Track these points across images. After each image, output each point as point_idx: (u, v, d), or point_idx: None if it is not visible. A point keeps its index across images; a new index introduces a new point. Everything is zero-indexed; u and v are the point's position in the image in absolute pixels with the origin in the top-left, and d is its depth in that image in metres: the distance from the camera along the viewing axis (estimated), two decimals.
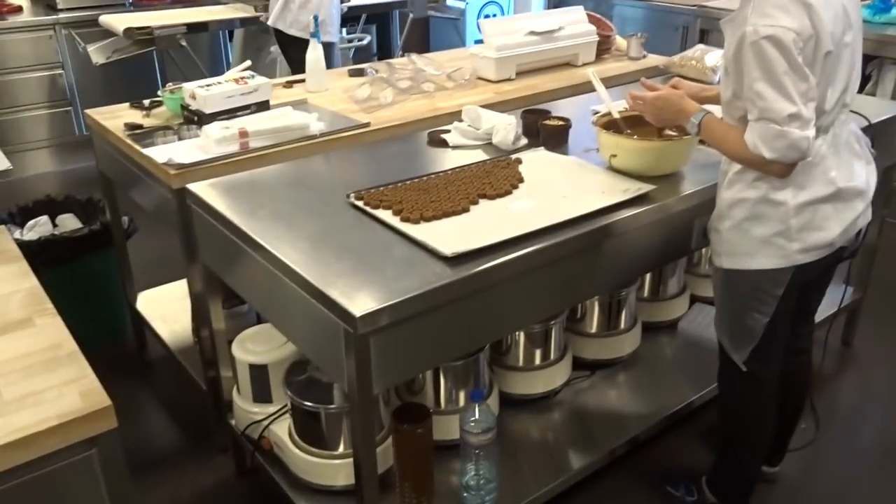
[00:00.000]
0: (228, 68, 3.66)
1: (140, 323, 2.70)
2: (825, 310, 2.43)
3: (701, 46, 2.90)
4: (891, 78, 3.70)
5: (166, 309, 2.65)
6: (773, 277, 1.62)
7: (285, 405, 1.92)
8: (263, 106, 2.31)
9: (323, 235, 1.57)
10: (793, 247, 1.58)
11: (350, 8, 4.60)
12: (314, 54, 2.63)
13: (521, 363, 2.15)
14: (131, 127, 2.23)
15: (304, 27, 3.38)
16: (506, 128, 2.04)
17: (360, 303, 1.31)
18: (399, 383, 1.96)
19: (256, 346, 1.99)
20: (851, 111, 1.67)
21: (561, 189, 1.75)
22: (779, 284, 1.62)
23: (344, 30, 4.71)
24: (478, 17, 5.54)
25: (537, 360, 2.15)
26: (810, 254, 1.59)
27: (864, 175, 1.64)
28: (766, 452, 1.92)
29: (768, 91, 1.45)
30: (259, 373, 1.95)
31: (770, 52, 1.43)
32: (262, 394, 1.98)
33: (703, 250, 2.60)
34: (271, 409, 1.97)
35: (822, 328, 2.45)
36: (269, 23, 3.49)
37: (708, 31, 4.38)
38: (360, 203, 1.68)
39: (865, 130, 1.83)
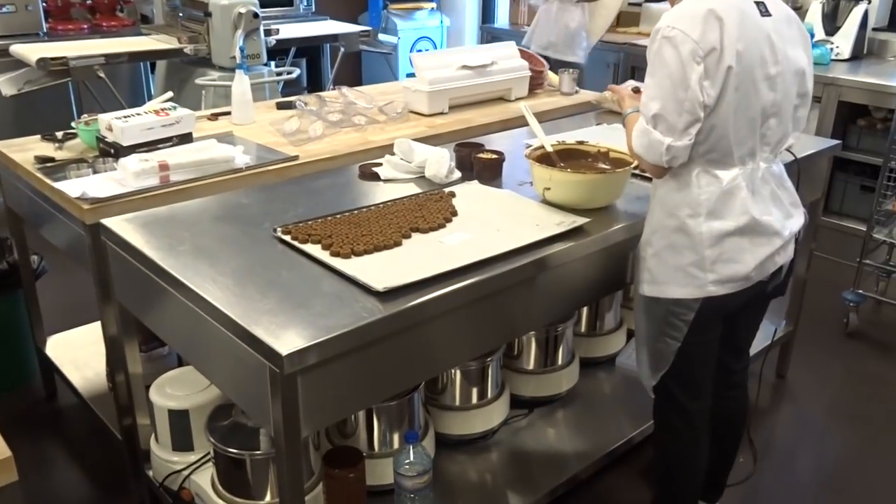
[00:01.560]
0: (148, 100, 3.59)
1: (50, 369, 2.58)
2: (759, 343, 2.51)
3: (632, 82, 3.00)
4: (814, 116, 3.90)
5: (78, 353, 2.54)
6: (683, 304, 1.66)
7: (208, 453, 1.86)
8: (186, 138, 2.27)
9: (247, 271, 1.54)
10: (707, 277, 1.63)
11: (279, 41, 4.59)
12: (240, 86, 2.61)
13: (457, 402, 2.13)
14: (42, 160, 2.15)
15: None
16: (439, 161, 2.05)
17: (287, 341, 1.28)
18: (329, 426, 1.91)
19: (177, 391, 1.92)
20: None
21: (495, 222, 1.76)
22: (688, 311, 1.66)
23: (272, 63, 4.70)
24: (410, 52, 5.61)
25: (474, 399, 2.14)
26: (725, 286, 1.64)
27: (779, 214, 1.69)
28: (700, 487, 1.95)
29: (650, 86, 1.55)
30: (179, 419, 1.89)
31: (664, 51, 1.51)
32: (182, 441, 1.91)
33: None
34: (192, 457, 1.90)
35: (756, 361, 2.53)
36: None
37: (637, 67, 4.55)
38: (287, 237, 1.65)
39: (791, 165, 1.91)
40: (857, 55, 4.12)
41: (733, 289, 1.65)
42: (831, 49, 4.05)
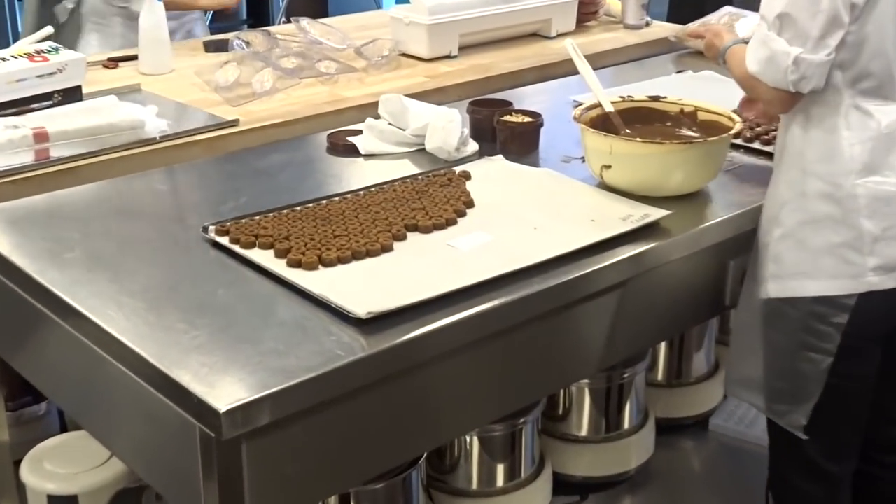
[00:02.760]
0: (16, 39, 3.62)
1: None
2: None
3: (729, 9, 3.02)
4: None
5: None
6: (831, 304, 1.68)
7: None
8: (73, 95, 2.30)
9: (167, 290, 1.55)
10: (867, 263, 1.65)
11: None
12: (151, 18, 2.64)
13: (474, 485, 2.14)
14: None
15: None
16: (445, 127, 2.07)
17: (226, 391, 1.29)
18: None
19: (60, 467, 1.94)
20: None
21: (529, 217, 1.77)
22: (839, 312, 1.67)
23: None
24: None
25: (500, 480, 2.15)
26: (892, 276, 1.66)
27: None
28: None
29: None
30: None
31: None
32: None
33: None
34: None
35: None
36: None
37: None
38: (224, 240, 1.67)
39: None
40: None
41: None
42: None
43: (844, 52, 1.60)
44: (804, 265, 1.69)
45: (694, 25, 2.96)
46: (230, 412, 1.27)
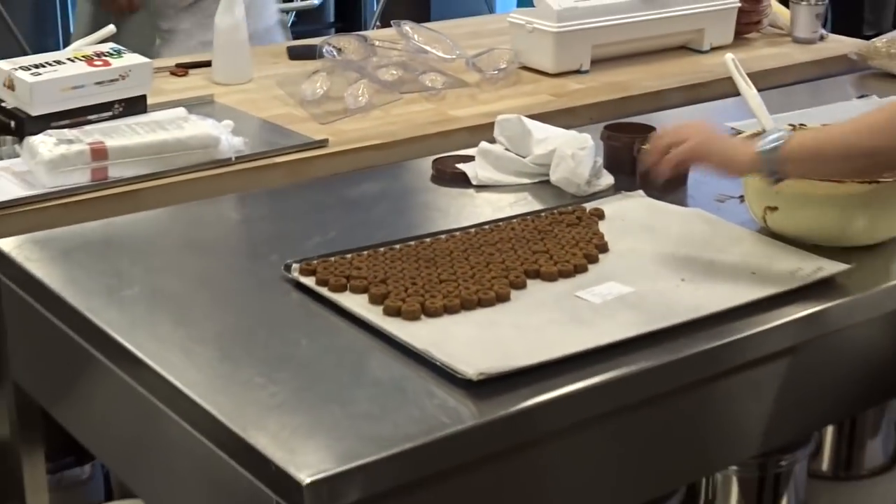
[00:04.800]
0: (66, 41, 3.73)
1: None
2: None
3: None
4: None
5: None
6: None
7: None
8: (136, 106, 2.35)
9: (242, 338, 1.57)
10: None
11: None
12: (228, 18, 2.68)
13: None
14: None
15: None
16: (575, 155, 2.07)
17: (310, 459, 1.30)
18: None
19: None
20: None
21: (674, 267, 1.77)
22: None
23: None
24: None
25: None
26: None
27: None
28: None
29: None
30: None
31: None
32: None
33: None
34: None
35: None
36: None
37: None
38: (309, 280, 1.69)
39: None
40: None
41: None
42: None
43: None
44: None
45: (881, 42, 2.93)
46: (314, 485, 1.27)
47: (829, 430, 2.53)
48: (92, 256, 1.82)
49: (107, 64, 2.33)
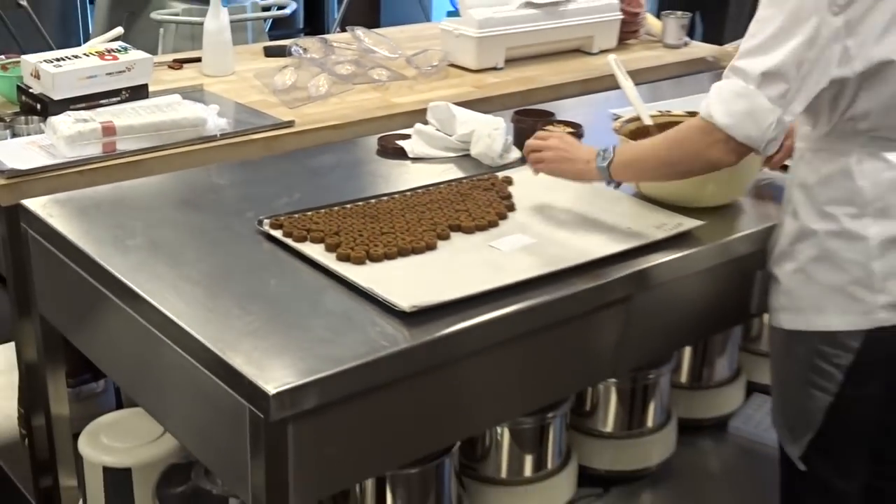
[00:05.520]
0: (86, 40, 3.66)
1: None
2: None
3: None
4: None
5: None
6: (838, 340, 1.65)
7: None
8: (140, 93, 2.31)
9: (223, 278, 1.56)
10: (877, 300, 1.62)
11: None
12: (215, 23, 2.65)
13: (503, 474, 2.13)
14: None
15: None
16: (490, 134, 2.06)
17: (276, 374, 1.29)
18: (327, 497, 1.92)
19: (116, 441, 1.95)
20: None
21: (569, 222, 1.76)
22: (845, 350, 1.65)
23: None
24: None
25: (527, 471, 2.13)
26: None
27: None
28: None
29: (760, 31, 1.54)
30: (118, 480, 1.91)
31: None
32: None
33: (766, 318, 2.63)
34: None
35: None
36: None
37: None
38: (277, 233, 1.67)
39: None
40: None
41: None
42: None
43: (861, 104, 1.56)
44: (815, 300, 1.66)
45: (730, 47, 2.93)
46: (279, 395, 1.27)
47: (687, 351, 2.55)
48: (103, 213, 1.80)
49: (115, 58, 2.29)
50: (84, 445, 1.96)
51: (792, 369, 1.74)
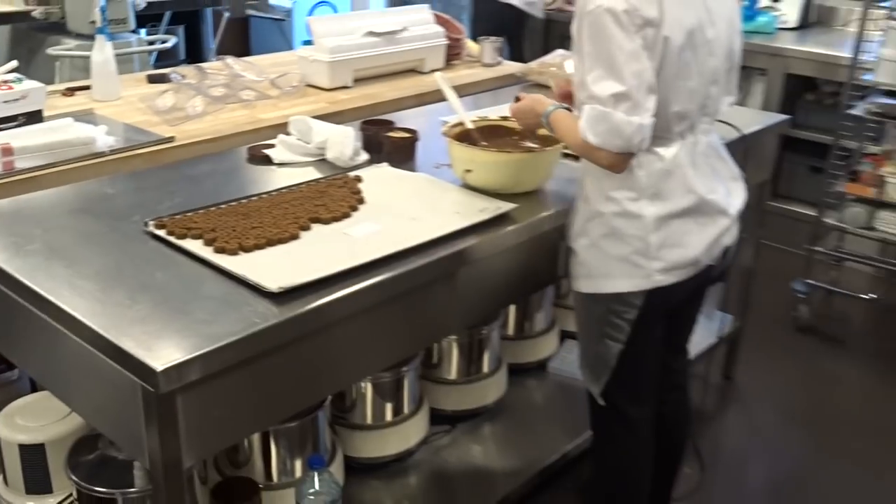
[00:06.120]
0: None
1: None
2: (703, 341, 2.58)
3: (560, 52, 3.03)
4: (759, 90, 4.05)
5: None
6: (623, 301, 1.69)
7: (70, 495, 1.79)
8: (35, 117, 2.16)
9: (113, 274, 1.47)
10: (653, 266, 1.66)
11: (150, 3, 4.45)
12: (101, 54, 2.51)
13: (368, 420, 2.11)
14: None
15: None
16: (342, 141, 2.02)
17: (163, 353, 1.23)
18: (217, 453, 1.86)
19: (29, 421, 1.85)
20: (721, 121, 1.79)
21: (409, 210, 1.74)
22: (631, 308, 1.69)
23: (143, 30, 4.55)
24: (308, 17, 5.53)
25: (388, 416, 2.12)
26: (672, 273, 1.68)
27: (723, 190, 1.75)
28: (646, 503, 1.99)
29: (595, 65, 1.54)
30: (33, 455, 1.81)
31: (603, 23, 1.51)
32: (37, 482, 1.84)
33: None
34: (51, 501, 1.83)
35: (701, 362, 2.60)
36: None
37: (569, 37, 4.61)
38: (161, 232, 1.59)
39: (737, 142, 1.96)
40: (804, 23, 4.27)
41: (681, 276, 1.69)
42: (777, 16, 4.19)
43: None
44: (605, 268, 1.70)
45: (534, 64, 2.97)
46: (166, 371, 1.21)
47: (512, 309, 2.58)
48: (3, 224, 1.67)
49: (10, 88, 2.14)
50: (1, 427, 1.85)
51: (590, 324, 1.78)
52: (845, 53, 3.48)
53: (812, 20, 4.36)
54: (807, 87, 4.13)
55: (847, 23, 4.21)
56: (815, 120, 4.05)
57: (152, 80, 2.76)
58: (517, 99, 1.88)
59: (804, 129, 4.03)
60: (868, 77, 3.04)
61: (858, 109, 3.10)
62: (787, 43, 3.99)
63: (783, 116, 2.65)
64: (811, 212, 3.50)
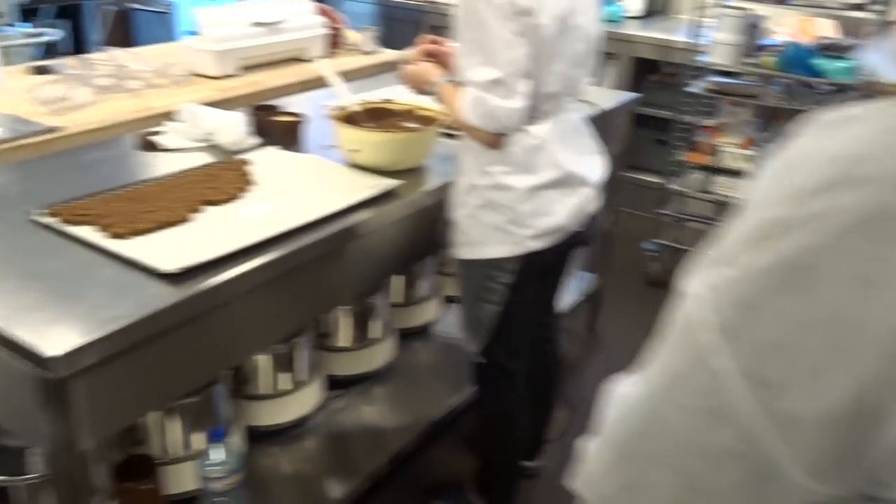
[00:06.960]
0: None
1: None
2: (570, 298, 2.63)
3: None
4: (611, 72, 4.13)
5: None
6: (499, 266, 1.69)
7: None
8: None
9: (7, 264, 1.35)
10: (524, 233, 1.66)
11: None
12: None
13: (267, 390, 2.04)
14: None
15: None
16: (231, 126, 1.92)
17: (56, 340, 1.13)
18: (115, 433, 1.75)
19: None
20: (583, 100, 1.80)
21: (299, 190, 1.68)
22: (506, 272, 1.70)
23: (28, 25, 4.22)
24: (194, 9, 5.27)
25: (286, 385, 2.05)
26: (542, 239, 1.69)
27: (586, 163, 1.77)
28: (523, 448, 2.01)
29: (472, 51, 1.53)
30: None
31: (480, 11, 1.49)
32: None
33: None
34: None
35: (568, 317, 2.64)
36: None
37: (440, 27, 4.57)
38: (52, 220, 1.47)
39: (597, 119, 1.98)
40: (648, 12, 4.39)
41: (550, 242, 1.69)
42: (622, 6, 4.29)
43: None
44: (481, 237, 1.69)
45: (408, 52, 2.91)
46: (60, 357, 1.11)
47: (398, 278, 2.55)
48: None
49: None
50: None
51: (469, 288, 1.77)
52: (684, 38, 3.59)
53: (655, 9, 4.47)
54: (651, 69, 4.24)
55: (685, 11, 4.34)
56: (659, 98, 4.16)
57: (38, 71, 2.56)
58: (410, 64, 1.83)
59: (649, 107, 4.13)
60: (703, 59, 3.14)
61: (696, 87, 3.21)
62: (633, 30, 4.08)
63: (635, 94, 2.71)
64: (658, 179, 3.62)
